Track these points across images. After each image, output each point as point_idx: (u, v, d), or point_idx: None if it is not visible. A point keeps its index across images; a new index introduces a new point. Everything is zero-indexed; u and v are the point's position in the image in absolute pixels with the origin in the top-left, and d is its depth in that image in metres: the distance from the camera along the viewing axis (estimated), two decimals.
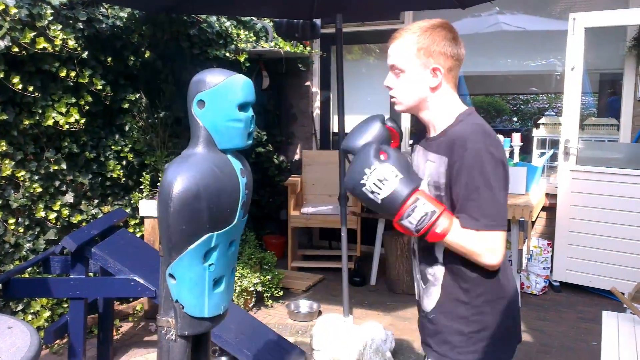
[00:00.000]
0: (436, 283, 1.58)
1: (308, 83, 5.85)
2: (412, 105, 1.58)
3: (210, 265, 1.76)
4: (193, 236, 1.69)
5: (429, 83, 1.52)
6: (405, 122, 5.56)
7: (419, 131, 1.70)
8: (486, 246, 1.44)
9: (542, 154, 5.11)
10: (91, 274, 3.16)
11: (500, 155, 1.45)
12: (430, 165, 1.54)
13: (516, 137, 5.04)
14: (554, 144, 5.03)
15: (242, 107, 1.78)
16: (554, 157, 5.00)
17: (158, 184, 3.95)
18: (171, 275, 1.73)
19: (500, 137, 4.99)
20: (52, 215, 3.44)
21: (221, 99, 1.75)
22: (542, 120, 5.28)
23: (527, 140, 5.37)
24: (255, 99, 1.85)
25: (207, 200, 1.68)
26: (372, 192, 1.44)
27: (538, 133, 5.19)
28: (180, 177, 1.65)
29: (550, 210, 4.78)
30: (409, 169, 1.48)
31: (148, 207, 3.88)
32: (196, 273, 1.73)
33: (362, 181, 1.45)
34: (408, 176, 1.45)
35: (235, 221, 1.81)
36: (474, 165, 1.42)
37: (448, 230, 1.43)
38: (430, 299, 1.61)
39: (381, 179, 1.43)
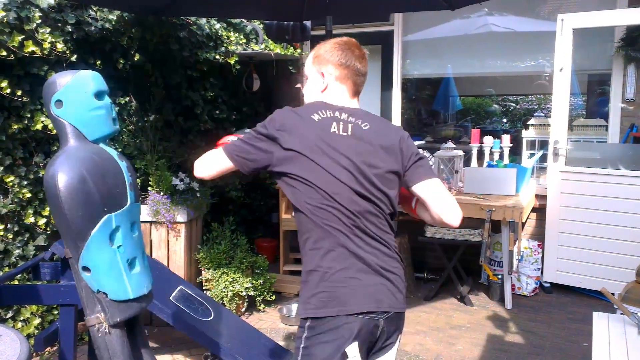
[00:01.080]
0: None
1: (299, 85, 5.83)
2: None
3: (119, 247, 1.81)
4: (91, 220, 1.75)
5: (318, 87, 1.81)
6: (396, 123, 5.56)
7: None
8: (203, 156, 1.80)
9: (532, 155, 5.13)
10: None
11: (264, 123, 1.74)
12: None
13: (506, 139, 5.06)
14: (544, 145, 5.05)
15: (98, 95, 1.89)
16: (543, 158, 5.03)
17: (149, 188, 3.93)
18: (85, 268, 1.77)
19: (490, 138, 5.03)
20: (42, 221, 3.41)
21: (77, 93, 1.86)
22: (532, 121, 5.31)
23: (516, 142, 5.40)
24: (107, 89, 1.96)
25: (93, 182, 1.76)
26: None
27: (527, 134, 5.21)
28: (61, 168, 1.72)
29: (540, 211, 4.80)
30: None
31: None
32: (108, 256, 1.79)
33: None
34: None
35: (128, 202, 1.90)
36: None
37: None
38: None
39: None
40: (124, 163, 1.93)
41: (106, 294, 1.77)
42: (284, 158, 1.65)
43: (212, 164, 1.76)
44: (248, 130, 1.82)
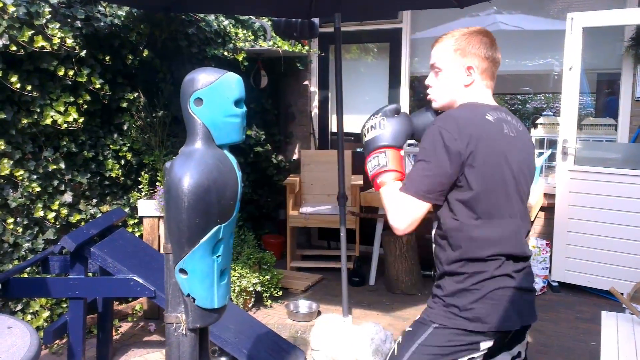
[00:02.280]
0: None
1: (306, 82, 5.84)
2: (446, 103, 1.74)
3: (218, 256, 1.82)
4: (205, 229, 1.75)
5: (463, 82, 1.68)
6: None
7: None
8: (395, 205, 1.61)
9: (540, 153, 5.11)
10: (90, 274, 3.15)
11: (452, 135, 1.53)
12: None
13: None
14: (552, 143, 5.03)
15: (237, 103, 1.86)
16: (552, 157, 5.01)
17: (157, 183, 3.94)
18: (182, 270, 1.77)
19: None
20: (51, 215, 3.43)
21: (218, 96, 1.82)
22: (540, 120, 5.29)
23: None
24: (245, 96, 1.93)
25: (216, 194, 1.76)
26: (364, 133, 1.77)
27: (536, 133, 5.19)
28: (190, 173, 1.71)
29: (548, 210, 4.78)
30: (399, 132, 1.71)
31: (147, 207, 3.87)
32: (207, 265, 1.79)
33: (365, 122, 1.76)
34: (392, 135, 1.70)
35: (235, 213, 1.90)
36: (423, 140, 1.62)
37: (383, 184, 1.67)
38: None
39: (373, 125, 1.73)
40: (239, 173, 1.92)
41: (194, 299, 1.79)
42: (472, 172, 1.55)
43: (411, 217, 1.58)
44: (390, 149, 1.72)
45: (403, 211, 1.58)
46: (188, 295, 1.79)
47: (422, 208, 1.57)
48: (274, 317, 4.03)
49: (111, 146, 3.84)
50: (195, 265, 1.77)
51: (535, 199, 4.40)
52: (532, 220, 4.52)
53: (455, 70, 1.68)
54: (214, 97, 1.81)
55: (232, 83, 1.85)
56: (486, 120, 1.60)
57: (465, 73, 1.67)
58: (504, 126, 1.63)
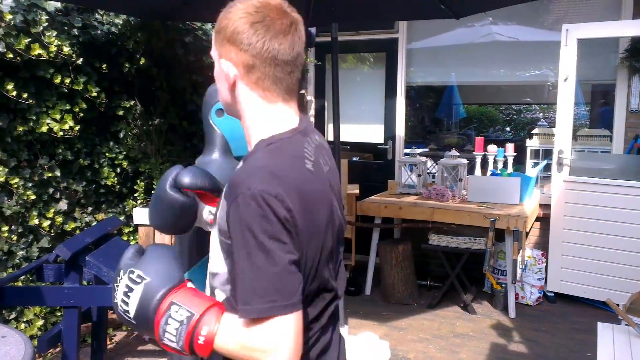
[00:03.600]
0: None
1: (303, 91, 5.85)
2: (227, 107, 1.23)
3: None
4: None
5: (226, 79, 1.16)
6: (400, 131, 5.58)
7: None
8: (265, 342, 0.97)
9: (536, 164, 5.13)
10: (85, 283, 3.13)
11: (283, 205, 0.99)
12: (222, 203, 1.12)
13: (510, 147, 5.06)
14: (547, 154, 5.05)
15: None
16: (547, 168, 5.03)
17: (152, 191, 3.92)
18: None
19: (494, 147, 5.03)
20: (46, 223, 3.41)
21: None
22: (536, 130, 5.31)
23: (520, 151, 5.40)
24: None
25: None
26: (125, 312, 1.09)
27: (531, 143, 5.21)
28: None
29: (544, 220, 4.79)
30: (168, 263, 1.11)
31: (142, 215, 3.85)
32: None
33: (115, 300, 1.11)
34: (162, 274, 1.09)
35: None
36: (236, 223, 1.01)
37: (213, 336, 1.02)
38: None
39: (126, 290, 1.09)
40: None
41: None
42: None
43: (297, 337, 1.00)
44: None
45: (283, 342, 0.98)
46: None
47: (300, 322, 1.01)
48: None
49: (107, 154, 3.83)
50: (197, 273, 1.75)
51: (531, 210, 4.41)
52: (527, 230, 4.53)
53: (217, 63, 1.18)
54: None
55: None
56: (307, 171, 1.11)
57: (224, 68, 1.15)
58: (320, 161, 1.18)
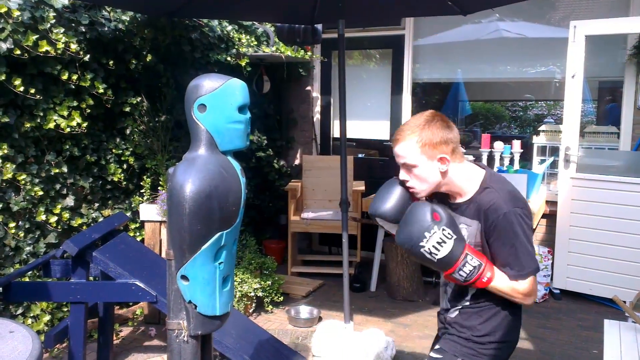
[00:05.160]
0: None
1: (309, 88, 5.85)
2: (431, 190, 1.76)
3: (220, 263, 1.81)
4: (206, 236, 1.75)
5: (439, 169, 1.71)
6: None
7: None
8: (523, 290, 1.68)
9: (542, 161, 5.11)
10: (91, 278, 3.14)
11: (527, 212, 1.68)
12: (465, 228, 1.74)
13: (516, 144, 5.04)
14: (554, 151, 5.03)
15: (241, 109, 1.86)
16: (554, 165, 5.01)
17: (159, 187, 3.94)
18: (184, 277, 1.77)
19: (500, 144, 5.02)
20: (53, 219, 3.43)
21: (222, 102, 1.82)
22: (542, 127, 5.28)
23: (527, 147, 5.38)
24: (249, 102, 1.92)
25: (218, 200, 1.75)
26: (430, 253, 1.62)
27: (538, 140, 5.19)
28: (192, 179, 1.71)
29: (550, 217, 4.78)
30: (456, 227, 1.66)
31: (148, 211, 3.87)
32: (208, 272, 1.78)
33: (421, 243, 1.62)
34: (459, 235, 1.64)
35: (238, 219, 1.88)
36: (507, 227, 1.65)
37: (492, 279, 1.67)
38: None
39: (440, 241, 1.61)
40: (243, 179, 1.92)
41: (196, 306, 1.79)
42: None
43: (536, 287, 1.74)
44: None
45: (534, 290, 1.70)
46: (189, 302, 1.78)
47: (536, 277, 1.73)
48: (274, 323, 4.02)
49: (114, 150, 3.85)
50: (197, 271, 1.76)
51: (537, 206, 4.40)
52: (534, 227, 4.51)
53: (429, 163, 1.71)
54: (218, 103, 1.81)
55: (236, 89, 1.85)
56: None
57: (439, 163, 1.70)
58: None
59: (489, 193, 1.70)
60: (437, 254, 1.62)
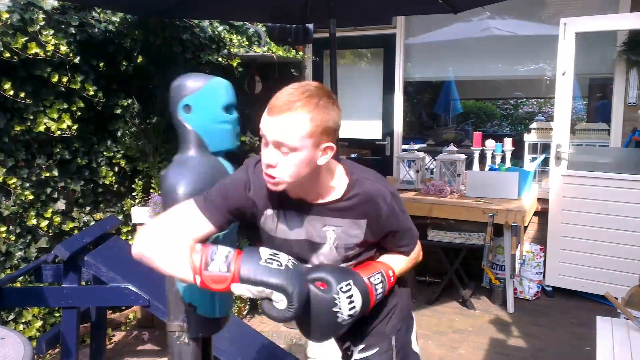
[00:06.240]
0: None
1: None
2: (292, 186, 1.44)
3: None
4: None
5: (318, 162, 1.40)
6: (398, 126, 5.57)
7: (273, 196, 1.53)
8: (417, 255, 1.72)
9: (534, 158, 5.13)
10: (83, 283, 3.12)
11: (396, 193, 1.58)
12: (333, 230, 1.53)
13: (508, 142, 5.06)
14: (545, 148, 5.05)
15: (227, 108, 1.83)
16: (545, 162, 5.03)
17: (151, 190, 3.92)
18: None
19: (492, 142, 5.03)
20: (44, 223, 3.40)
21: (207, 102, 1.79)
22: (533, 125, 5.30)
23: (518, 145, 5.40)
24: (236, 102, 1.89)
25: None
26: (355, 314, 1.48)
27: (529, 138, 5.21)
28: (183, 181, 1.70)
29: (542, 215, 4.79)
30: (338, 269, 1.52)
31: (140, 214, 3.84)
32: None
33: (339, 320, 1.45)
34: (345, 270, 1.52)
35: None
36: (396, 210, 1.54)
37: (394, 271, 1.62)
38: None
39: (349, 298, 1.45)
40: None
41: (195, 308, 1.77)
42: None
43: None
44: None
45: (419, 247, 1.73)
46: (190, 304, 1.77)
47: None
48: (268, 325, 4.01)
49: (105, 153, 3.82)
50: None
51: (529, 204, 4.41)
52: (525, 225, 4.53)
53: (312, 151, 1.37)
54: (202, 103, 1.78)
55: (220, 88, 1.81)
56: None
57: (321, 153, 1.40)
58: None
59: (363, 184, 1.50)
60: (358, 310, 1.48)
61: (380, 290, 1.54)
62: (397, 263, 1.65)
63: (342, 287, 1.44)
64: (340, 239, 1.53)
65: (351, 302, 1.45)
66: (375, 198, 1.50)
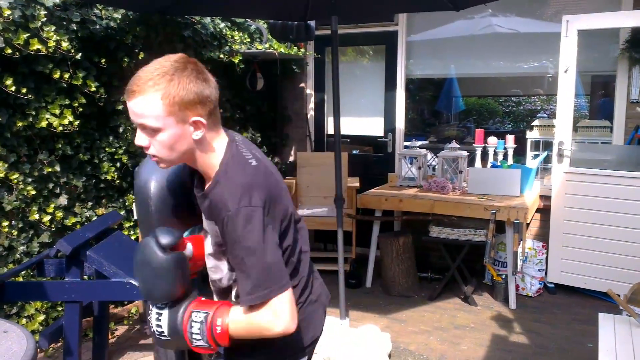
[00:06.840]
0: None
1: (302, 85, 5.84)
2: (180, 160, 1.40)
3: None
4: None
5: (193, 136, 1.34)
6: (400, 123, 5.57)
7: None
8: (268, 318, 1.27)
9: (536, 155, 5.12)
10: (86, 277, 3.13)
11: (256, 202, 1.29)
12: (210, 224, 1.42)
13: (510, 139, 5.05)
14: (548, 145, 5.05)
15: None
16: (547, 159, 5.02)
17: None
18: None
19: (494, 139, 5.03)
20: (46, 218, 3.41)
21: None
22: (536, 122, 5.30)
23: (520, 142, 5.39)
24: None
25: (185, 196, 1.67)
26: (161, 334, 1.34)
27: (532, 135, 5.21)
28: (154, 176, 1.65)
29: (544, 212, 4.79)
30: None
31: None
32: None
33: (152, 328, 1.36)
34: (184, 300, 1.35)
35: None
36: (231, 236, 1.29)
37: (226, 324, 1.30)
38: None
39: (157, 316, 1.34)
40: None
41: None
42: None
43: (292, 308, 1.31)
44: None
45: (285, 312, 1.28)
46: None
47: (291, 295, 1.32)
48: None
49: (107, 149, 3.83)
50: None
51: (531, 201, 4.41)
52: (528, 222, 4.53)
53: (179, 127, 1.33)
54: None
55: None
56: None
57: (193, 128, 1.34)
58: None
59: (218, 188, 1.35)
60: (165, 332, 1.34)
61: (195, 331, 1.31)
62: (237, 315, 1.32)
63: (156, 303, 1.35)
64: (212, 234, 1.42)
65: (158, 317, 1.35)
66: (214, 203, 1.34)
